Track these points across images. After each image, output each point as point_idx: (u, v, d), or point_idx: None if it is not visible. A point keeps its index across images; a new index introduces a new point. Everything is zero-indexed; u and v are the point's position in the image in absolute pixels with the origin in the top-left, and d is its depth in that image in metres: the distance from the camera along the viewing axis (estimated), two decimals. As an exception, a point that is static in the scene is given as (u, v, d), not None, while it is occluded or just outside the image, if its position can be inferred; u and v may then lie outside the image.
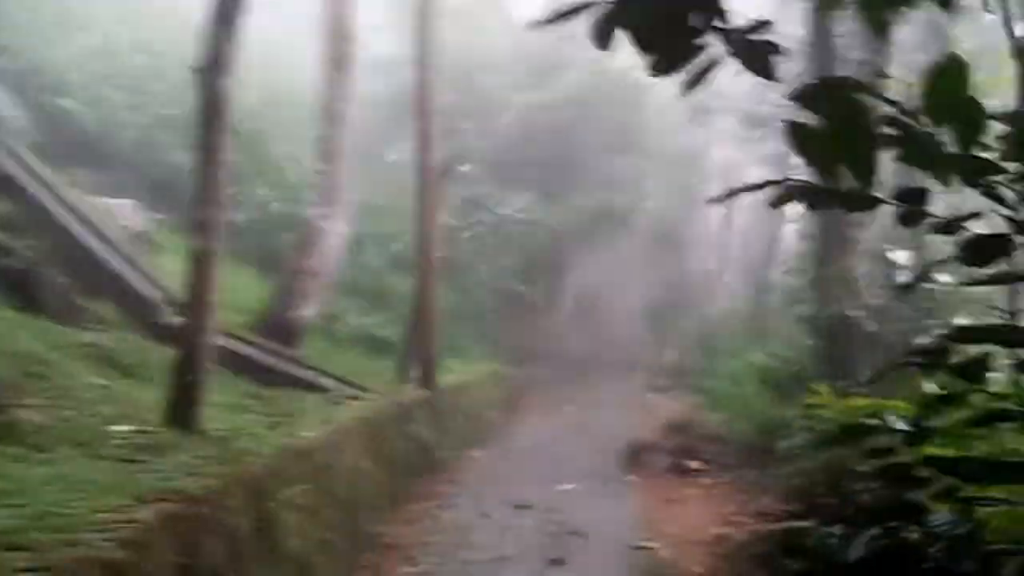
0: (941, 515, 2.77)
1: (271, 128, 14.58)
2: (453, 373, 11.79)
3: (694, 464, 8.16)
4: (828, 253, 8.37)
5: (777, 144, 19.63)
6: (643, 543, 5.71)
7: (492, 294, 16.58)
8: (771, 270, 18.79)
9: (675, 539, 5.83)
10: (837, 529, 3.47)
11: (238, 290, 10.41)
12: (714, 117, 22.63)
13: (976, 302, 7.27)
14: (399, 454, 7.60)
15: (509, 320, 17.75)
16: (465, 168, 15.58)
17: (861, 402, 3.63)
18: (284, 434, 5.57)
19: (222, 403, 6.35)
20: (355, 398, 7.79)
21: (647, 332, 20.95)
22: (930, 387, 3.13)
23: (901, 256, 7.51)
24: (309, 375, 8.15)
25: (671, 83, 2.16)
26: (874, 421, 3.08)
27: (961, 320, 6.54)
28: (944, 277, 6.95)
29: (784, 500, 6.38)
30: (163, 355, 6.27)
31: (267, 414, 6.59)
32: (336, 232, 9.07)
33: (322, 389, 7.88)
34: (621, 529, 6.11)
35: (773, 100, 17.90)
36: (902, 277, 7.44)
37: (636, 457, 8.56)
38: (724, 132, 22.88)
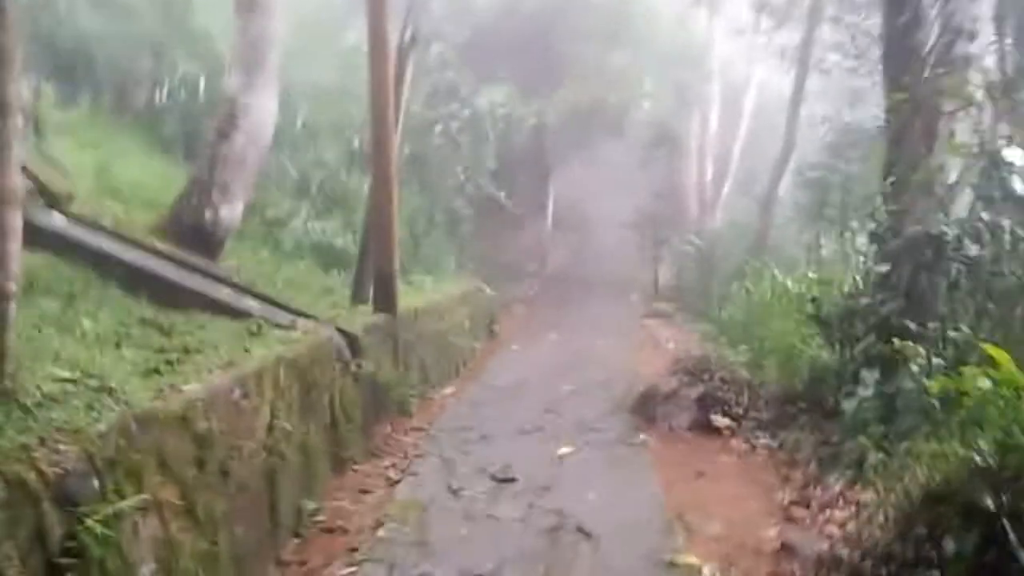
0: None
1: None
2: (421, 292, 10.05)
3: (723, 420, 6.52)
4: (906, 151, 6.54)
5: (792, 35, 17.63)
6: (678, 557, 4.02)
7: (467, 200, 14.67)
8: (780, 181, 16.98)
9: (722, 548, 4.17)
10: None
11: (149, 184, 8.50)
12: (719, 3, 20.49)
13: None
14: (344, 400, 5.87)
15: (486, 230, 15.95)
16: (435, 49, 13.46)
17: None
18: (157, 387, 3.79)
19: (92, 334, 4.59)
20: (288, 326, 5.99)
21: (639, 247, 19.25)
22: None
23: (1018, 155, 5.73)
24: (228, 295, 6.30)
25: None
26: None
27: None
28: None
29: (857, 486, 4.79)
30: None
31: (157, 349, 4.79)
32: (263, 108, 7.07)
33: (244, 314, 6.05)
34: (643, 526, 4.44)
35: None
36: (1020, 185, 5.68)
37: (648, 408, 6.89)
38: (729, 23, 20.68)
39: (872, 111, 16.69)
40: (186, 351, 4.81)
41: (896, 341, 5.41)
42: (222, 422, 3.91)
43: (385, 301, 7.76)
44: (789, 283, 9.14)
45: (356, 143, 12.49)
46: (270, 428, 4.45)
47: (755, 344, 8.92)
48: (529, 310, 14.05)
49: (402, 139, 12.72)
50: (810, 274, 9.31)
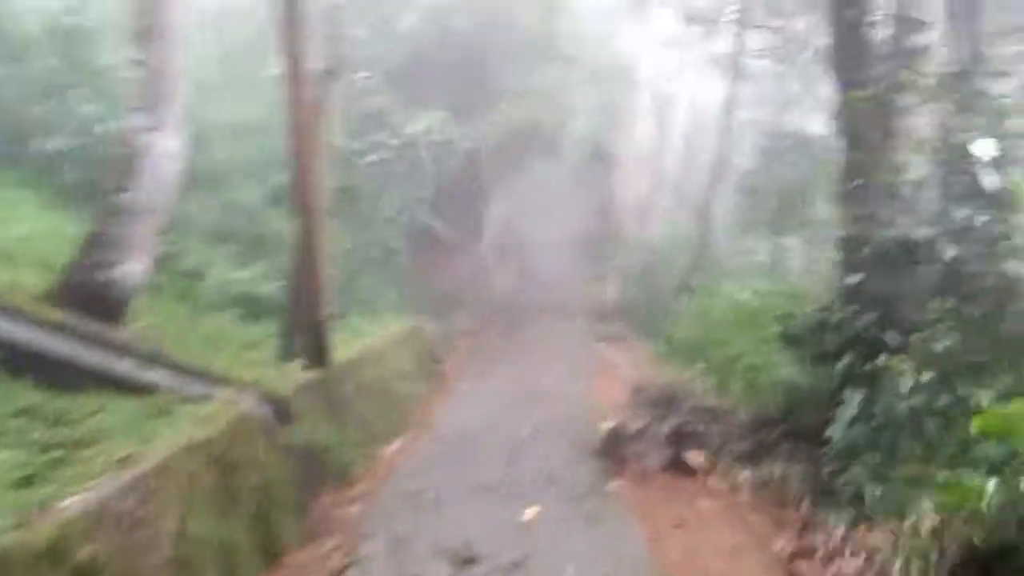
0: None
1: (99, 26, 11.38)
2: (358, 336, 9.34)
3: (698, 458, 5.99)
4: (863, 151, 6.17)
5: (720, 43, 17.51)
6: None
7: (402, 232, 14.00)
8: (716, 191, 16.75)
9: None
10: None
11: (43, 242, 7.67)
12: (647, 17, 20.38)
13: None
14: (273, 479, 5.15)
15: (423, 262, 15.27)
16: (360, 76, 12.82)
17: None
18: (26, 504, 3.07)
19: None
20: (202, 399, 5.25)
21: (581, 267, 18.83)
22: None
23: (985, 148, 5.38)
24: (130, 368, 5.52)
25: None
26: None
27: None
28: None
29: (862, 527, 4.30)
30: None
31: (38, 447, 4.06)
32: (166, 149, 6.32)
33: (150, 389, 5.29)
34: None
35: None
36: (989, 179, 5.32)
37: (616, 450, 6.32)
38: (656, 36, 20.57)
39: (801, 115, 16.73)
40: (74, 446, 4.08)
41: (881, 357, 4.99)
42: (113, 542, 3.19)
43: (317, 354, 7.06)
44: (745, 297, 8.72)
45: (280, 181, 11.75)
46: (179, 536, 3.72)
47: (714, 363, 8.47)
48: (475, 343, 13.41)
49: (328, 173, 12.06)
50: (765, 286, 8.92)
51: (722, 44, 16.28)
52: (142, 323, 7.01)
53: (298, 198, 6.94)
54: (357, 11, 16.80)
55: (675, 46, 19.10)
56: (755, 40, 15.44)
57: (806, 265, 17.85)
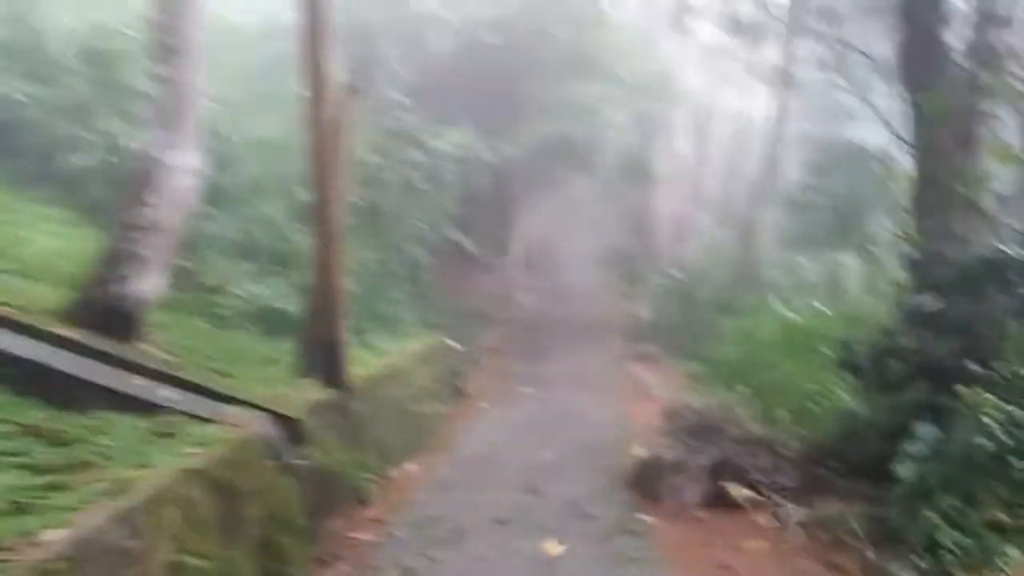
0: None
1: (129, 48, 11.50)
2: (378, 355, 9.21)
3: (742, 492, 5.68)
4: (939, 162, 5.82)
5: (766, 53, 17.15)
6: None
7: (428, 248, 13.89)
8: (762, 206, 16.40)
9: None
10: None
11: (65, 258, 7.66)
12: (688, 26, 20.10)
13: None
14: (281, 505, 5.01)
15: (450, 278, 15.15)
16: (387, 93, 12.79)
17: None
18: (11, 534, 2.96)
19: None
20: (211, 419, 5.14)
21: (613, 285, 18.57)
22: None
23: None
24: (140, 386, 5.43)
25: None
26: None
27: None
28: None
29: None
30: None
31: (38, 470, 3.96)
32: (184, 167, 6.27)
33: (159, 408, 5.19)
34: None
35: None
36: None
37: (650, 482, 6.04)
38: (698, 46, 20.29)
39: (856, 127, 16.30)
40: (72, 469, 3.97)
41: (958, 388, 4.66)
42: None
43: (334, 372, 6.94)
44: (796, 318, 8.39)
45: (299, 196, 11.74)
46: (174, 569, 3.58)
47: (759, 388, 8.16)
48: (500, 361, 13.23)
49: (352, 190, 12.01)
50: (818, 306, 8.59)
51: (769, 53, 15.99)
52: (159, 339, 6.96)
53: (317, 215, 6.84)
54: (385, 26, 16.90)
55: (718, 56, 18.79)
56: (805, 48, 15.10)
57: (863, 285, 17.40)
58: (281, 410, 5.81)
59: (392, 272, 12.76)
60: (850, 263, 17.94)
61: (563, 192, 21.12)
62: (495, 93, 17.17)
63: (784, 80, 15.40)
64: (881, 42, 14.86)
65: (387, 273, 12.52)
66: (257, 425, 5.15)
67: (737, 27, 15.88)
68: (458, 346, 11.77)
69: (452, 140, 14.08)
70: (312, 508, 5.57)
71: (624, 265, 18.01)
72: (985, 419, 4.43)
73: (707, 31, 17.81)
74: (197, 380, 5.88)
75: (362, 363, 8.28)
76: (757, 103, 26.54)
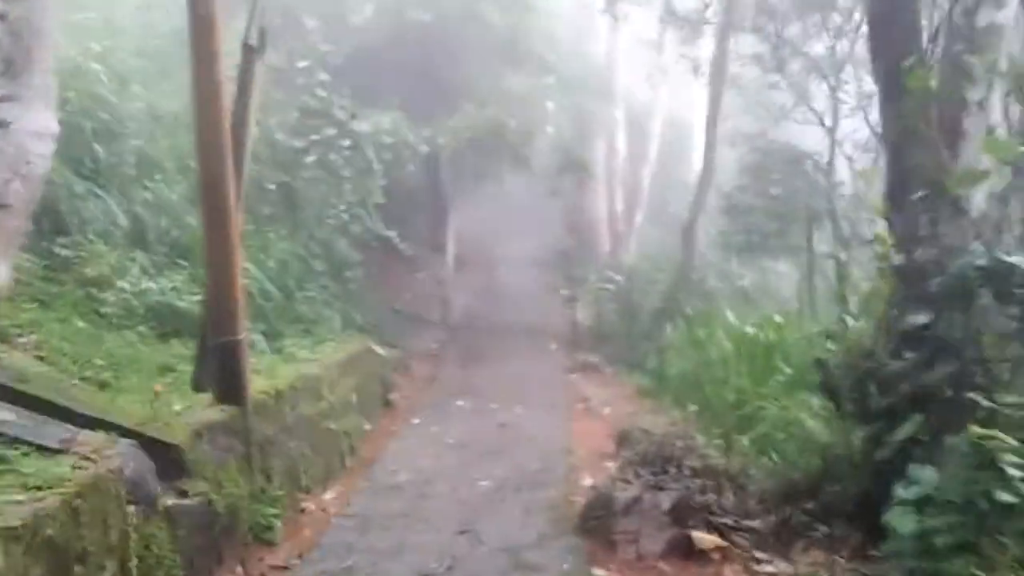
0: None
1: None
2: (292, 362, 8.04)
3: (709, 538, 4.76)
4: (917, 156, 5.01)
5: (703, 49, 16.54)
6: None
7: (353, 242, 12.72)
8: (701, 208, 15.71)
9: None
10: None
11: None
12: (623, 17, 19.40)
13: None
14: (146, 560, 3.85)
15: (378, 277, 14.00)
16: (303, 65, 11.59)
17: None
18: None
19: None
20: (59, 449, 3.95)
21: (551, 287, 17.66)
22: None
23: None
24: (-36, 404, 4.20)
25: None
26: None
27: None
28: None
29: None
30: None
31: None
32: (31, 125, 5.03)
33: (-13, 434, 3.97)
34: None
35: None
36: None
37: (602, 525, 5.07)
38: (633, 40, 19.62)
39: (793, 127, 15.83)
40: None
41: (961, 422, 3.85)
42: None
43: (233, 385, 5.76)
44: (754, 329, 7.58)
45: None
46: None
47: (715, 407, 7.34)
48: (433, 368, 12.15)
49: (264, 172, 10.74)
50: (776, 318, 7.80)
51: (706, 48, 15.37)
52: (26, 342, 5.70)
53: (206, 197, 5.66)
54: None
55: (654, 50, 18.14)
56: (743, 45, 14.52)
57: (798, 293, 16.89)
58: (157, 435, 4.65)
59: (313, 268, 11.54)
60: (784, 270, 17.56)
61: (498, 188, 20.15)
62: (425, 77, 16.08)
63: (719, 76, 14.71)
64: (819, 40, 14.57)
65: (307, 269, 11.29)
66: (120, 456, 3.98)
67: (673, 18, 15.21)
68: (385, 352, 10.64)
69: (379, 123, 12.94)
70: (194, 560, 4.42)
71: (562, 266, 17.11)
72: (1010, 469, 3.58)
73: (643, 22, 17.09)
74: (50, 396, 4.65)
75: (272, 373, 7.13)
76: (694, 101, 26.25)
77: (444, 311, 16.31)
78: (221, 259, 5.65)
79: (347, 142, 11.97)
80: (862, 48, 13.75)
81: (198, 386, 6.15)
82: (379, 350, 10.41)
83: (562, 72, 18.48)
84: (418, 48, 15.72)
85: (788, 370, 6.92)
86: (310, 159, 10.99)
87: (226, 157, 5.59)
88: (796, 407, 5.77)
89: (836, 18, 13.32)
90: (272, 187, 10.74)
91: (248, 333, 5.99)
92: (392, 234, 12.83)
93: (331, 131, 11.22)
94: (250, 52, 6.44)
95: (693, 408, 8.32)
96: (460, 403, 9.62)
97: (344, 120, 11.51)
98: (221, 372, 5.76)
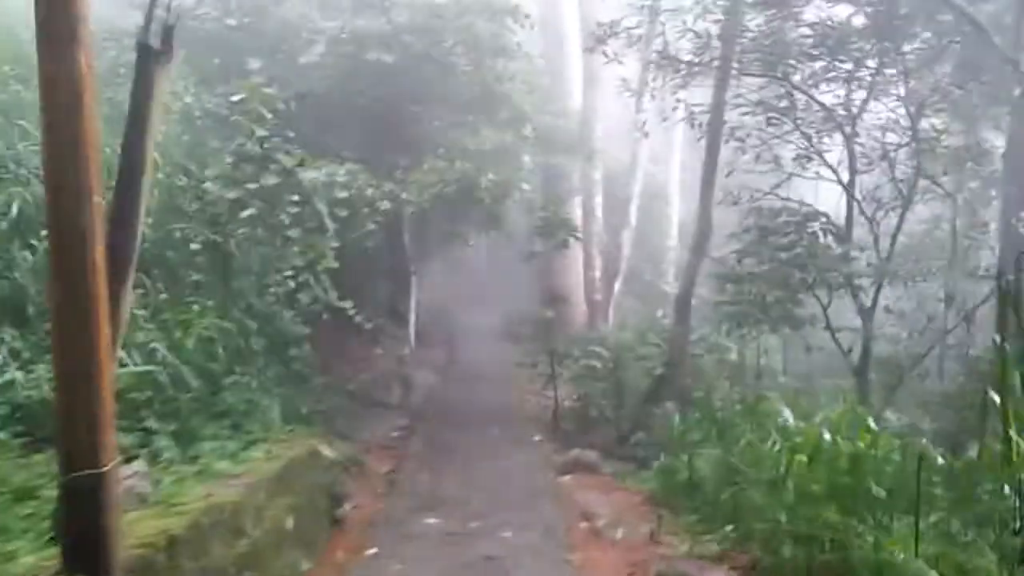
0: None
1: None
2: (206, 480, 6.07)
3: None
4: None
5: (705, 88, 15.10)
6: None
7: (297, 313, 10.81)
8: (696, 276, 14.12)
9: None
10: None
11: None
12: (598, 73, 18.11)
13: None
14: None
15: (329, 354, 12.05)
16: (237, 99, 9.82)
17: None
18: None
19: None
20: None
21: (526, 363, 15.85)
22: None
23: None
24: None
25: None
26: None
27: None
28: None
29: None
30: None
31: None
32: None
33: None
34: None
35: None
36: None
37: None
38: (613, 94, 18.25)
39: (802, 184, 14.45)
40: None
41: None
42: None
43: (87, 544, 3.79)
44: (839, 440, 5.74)
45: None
46: None
47: (776, 540, 5.51)
48: (394, 465, 10.17)
49: (185, 227, 8.89)
50: (870, 424, 6.02)
51: (699, 95, 13.95)
52: None
53: (56, 259, 3.77)
54: (248, 35, 14.06)
55: (640, 97, 16.75)
56: (743, 90, 13.13)
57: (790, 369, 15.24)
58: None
59: (248, 347, 9.55)
60: (774, 345, 16.05)
61: (466, 251, 18.48)
62: (385, 125, 14.46)
63: (716, 126, 13.23)
64: (829, 87, 13.32)
65: (240, 349, 9.30)
66: None
67: (667, 61, 13.79)
68: (334, 453, 8.65)
69: (332, 175, 11.16)
70: None
71: (538, 339, 15.34)
72: None
73: (626, 68, 15.69)
74: None
75: (170, 503, 5.17)
76: (670, 158, 25.04)
77: (405, 393, 14.34)
78: (79, 352, 3.73)
79: (294, 196, 10.14)
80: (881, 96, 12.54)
81: (60, 528, 4.19)
82: (327, 451, 8.43)
83: (538, 124, 17.02)
84: (377, 92, 14.11)
85: (881, 492, 5.16)
86: (246, 213, 9.11)
87: (85, 200, 3.72)
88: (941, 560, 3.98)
89: (847, 65, 12.07)
90: (197, 247, 8.85)
91: (118, 462, 4.02)
92: (347, 304, 10.93)
93: (273, 180, 9.38)
94: (148, 55, 4.65)
95: (730, 530, 6.53)
96: (430, 520, 7.62)
97: (290, 168, 9.70)
98: (74, 524, 3.80)
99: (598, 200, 20.72)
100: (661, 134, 21.17)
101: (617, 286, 20.24)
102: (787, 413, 6.67)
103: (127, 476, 5.50)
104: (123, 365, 6.65)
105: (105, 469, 3.73)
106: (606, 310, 19.95)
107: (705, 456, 7.62)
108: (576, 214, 19.80)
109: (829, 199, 14.86)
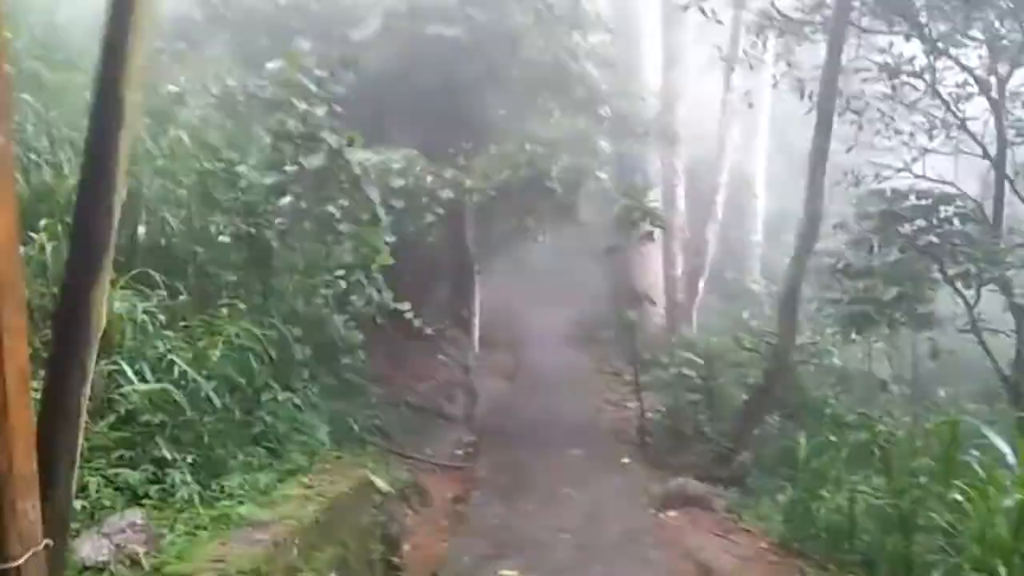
0: None
1: None
2: (222, 527, 4.83)
3: None
4: None
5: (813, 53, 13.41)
6: None
7: (350, 317, 9.59)
8: (802, 273, 12.48)
9: None
10: None
11: None
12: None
13: None
14: None
15: (380, 364, 10.82)
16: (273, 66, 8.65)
17: None
18: None
19: None
20: None
21: (598, 370, 14.44)
22: None
23: None
24: None
25: None
26: None
27: None
28: None
29: None
30: None
31: None
32: None
33: None
34: None
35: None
36: None
37: None
38: (709, 56, 16.60)
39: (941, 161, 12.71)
40: None
41: None
42: None
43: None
44: None
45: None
46: None
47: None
48: (461, 493, 8.89)
49: (212, 218, 7.75)
50: None
51: (804, 63, 12.30)
52: None
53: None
54: (298, 13, 13.00)
55: (730, 70, 15.18)
56: (855, 57, 11.46)
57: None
58: None
59: (291, 357, 8.34)
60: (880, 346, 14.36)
61: (532, 247, 17.15)
62: (448, 108, 13.21)
63: (829, 95, 11.55)
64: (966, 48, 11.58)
65: (281, 360, 8.07)
66: None
67: (761, 26, 12.17)
68: (388, 482, 7.37)
69: (386, 160, 9.92)
70: None
71: (618, 344, 13.90)
72: None
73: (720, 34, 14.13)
74: None
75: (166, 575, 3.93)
76: (756, 144, 23.30)
77: (470, 404, 13.07)
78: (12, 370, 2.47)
79: (342, 182, 8.92)
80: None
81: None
82: (380, 482, 7.14)
83: (614, 106, 15.56)
84: (437, 71, 12.85)
85: None
86: (285, 200, 7.91)
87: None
88: None
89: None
90: (227, 240, 7.67)
91: (38, 551, 2.74)
92: (404, 306, 9.68)
93: (317, 161, 8.16)
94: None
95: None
96: (506, 574, 6.29)
97: (336, 149, 8.47)
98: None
99: (680, 191, 19.17)
100: (745, 118, 19.55)
101: (701, 285, 18.67)
102: (1006, 449, 5.07)
103: (117, 531, 4.31)
104: (135, 380, 5.49)
105: (16, 564, 2.43)
106: (689, 312, 18.40)
107: (858, 494, 6.09)
108: (657, 206, 18.27)
109: (967, 180, 13.07)
